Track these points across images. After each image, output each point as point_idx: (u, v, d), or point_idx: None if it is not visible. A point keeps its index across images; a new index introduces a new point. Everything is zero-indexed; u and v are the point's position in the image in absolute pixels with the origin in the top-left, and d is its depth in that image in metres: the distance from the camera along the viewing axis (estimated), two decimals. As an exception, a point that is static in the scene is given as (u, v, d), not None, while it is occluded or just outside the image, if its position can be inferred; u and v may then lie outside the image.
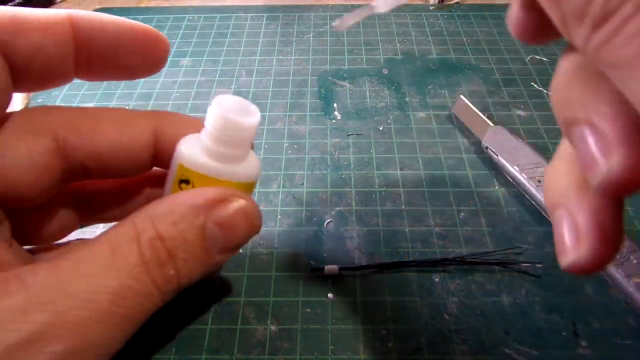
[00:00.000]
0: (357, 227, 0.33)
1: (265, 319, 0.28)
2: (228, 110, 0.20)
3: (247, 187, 0.22)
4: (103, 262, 0.17)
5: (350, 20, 0.20)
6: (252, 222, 0.21)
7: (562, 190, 0.16)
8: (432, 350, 0.27)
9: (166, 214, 0.19)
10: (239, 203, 0.20)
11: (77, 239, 0.25)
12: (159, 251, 0.18)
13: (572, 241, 0.15)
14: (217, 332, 0.28)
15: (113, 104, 0.43)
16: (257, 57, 0.48)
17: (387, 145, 0.38)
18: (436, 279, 0.30)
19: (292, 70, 0.46)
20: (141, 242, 0.18)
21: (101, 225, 0.30)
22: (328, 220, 0.33)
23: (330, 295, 0.29)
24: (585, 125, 0.13)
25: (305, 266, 0.31)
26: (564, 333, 0.27)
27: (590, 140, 0.13)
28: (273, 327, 0.28)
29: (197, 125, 0.23)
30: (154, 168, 0.24)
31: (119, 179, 0.25)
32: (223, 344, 0.27)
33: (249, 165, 0.22)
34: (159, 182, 0.25)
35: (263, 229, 0.33)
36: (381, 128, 0.40)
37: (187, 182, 0.21)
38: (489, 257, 0.31)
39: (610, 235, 0.14)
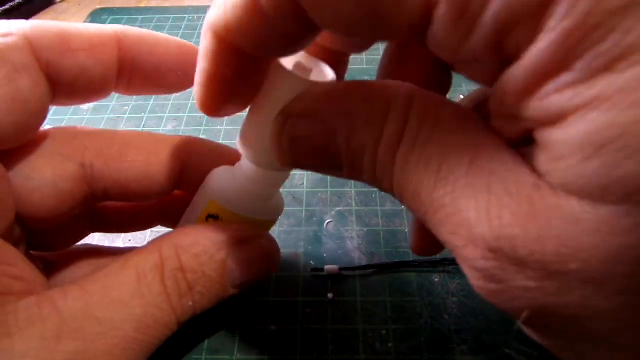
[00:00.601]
0: (357, 227, 0.33)
1: (265, 319, 0.28)
2: None
3: (271, 224, 0.23)
4: (130, 289, 0.17)
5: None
6: (271, 261, 0.21)
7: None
8: (432, 350, 0.27)
9: (190, 246, 0.19)
10: (260, 243, 0.21)
11: (85, 244, 0.25)
12: (180, 282, 0.18)
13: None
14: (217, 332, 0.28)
15: (113, 104, 0.43)
16: (257, 57, 0.47)
17: (387, 145, 0.38)
18: (436, 279, 0.30)
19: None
20: (165, 271, 0.18)
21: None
22: (328, 220, 0.33)
23: (330, 295, 0.29)
24: None
25: (305, 266, 0.31)
26: (564, 333, 0.27)
27: None
28: (273, 327, 0.28)
29: (223, 155, 0.22)
30: None
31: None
32: (223, 344, 0.27)
33: (276, 204, 0.22)
34: (174, 202, 0.25)
35: (263, 229, 0.33)
36: (381, 128, 0.40)
37: (215, 217, 0.20)
38: (489, 257, 0.31)
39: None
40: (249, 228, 0.20)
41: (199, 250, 0.19)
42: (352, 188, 0.35)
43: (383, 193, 0.35)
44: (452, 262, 0.30)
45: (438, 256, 0.31)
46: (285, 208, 0.34)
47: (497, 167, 0.12)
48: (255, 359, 0.27)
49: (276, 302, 0.29)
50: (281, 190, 0.35)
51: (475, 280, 0.13)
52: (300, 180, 0.36)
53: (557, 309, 0.11)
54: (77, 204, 0.20)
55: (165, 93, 0.23)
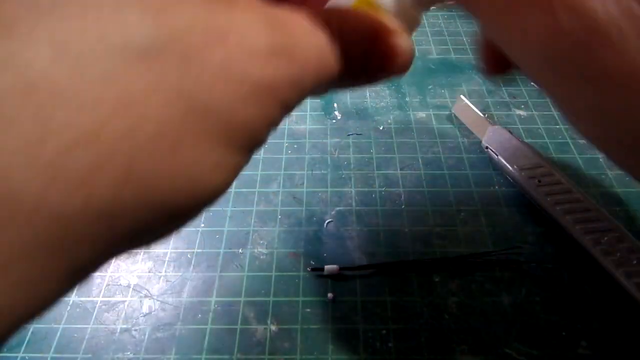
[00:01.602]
0: (357, 227, 0.33)
1: (265, 319, 0.28)
2: None
3: (410, 31, 0.25)
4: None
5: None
6: (407, 57, 0.23)
7: None
8: (432, 350, 0.27)
9: (349, 18, 0.19)
10: (404, 40, 0.22)
11: None
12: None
13: None
14: (217, 332, 0.28)
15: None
16: (257, 57, 0.48)
17: (387, 145, 0.38)
18: (436, 279, 0.30)
19: (292, 70, 0.46)
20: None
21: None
22: (328, 220, 0.33)
23: (330, 295, 0.29)
24: None
25: (305, 266, 0.31)
26: (564, 333, 0.27)
27: None
28: (273, 327, 0.28)
29: None
30: None
31: None
32: (223, 344, 0.27)
33: (417, 16, 0.23)
34: None
35: (263, 228, 0.33)
36: (381, 128, 0.40)
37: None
38: (489, 257, 0.31)
39: None
40: (397, 26, 0.22)
41: (356, 24, 0.19)
42: (352, 188, 0.35)
43: (383, 193, 0.35)
44: (452, 262, 0.30)
45: (438, 256, 0.31)
46: (285, 208, 0.34)
47: None
48: (255, 358, 0.27)
49: (276, 302, 0.29)
50: (281, 189, 0.35)
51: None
52: (300, 180, 0.36)
53: None
54: None
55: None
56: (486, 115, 0.37)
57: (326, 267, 0.30)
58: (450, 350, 0.27)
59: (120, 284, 0.30)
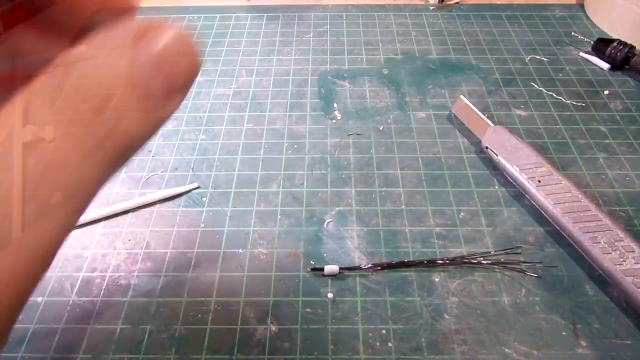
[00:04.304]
0: (357, 227, 0.33)
1: (265, 319, 0.28)
2: None
3: None
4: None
5: None
6: (190, 52, 0.18)
7: None
8: (432, 350, 0.27)
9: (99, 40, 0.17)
10: (172, 31, 0.17)
11: None
12: None
13: None
14: (217, 332, 0.28)
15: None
16: (257, 57, 0.48)
17: (387, 145, 0.38)
18: (436, 279, 0.30)
19: (292, 70, 0.46)
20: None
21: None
22: (328, 220, 0.33)
23: (330, 295, 0.29)
24: None
25: (305, 266, 0.31)
26: (564, 333, 0.27)
27: None
28: (273, 327, 0.28)
29: None
30: None
31: None
32: (223, 344, 0.27)
33: None
34: None
35: (263, 228, 0.33)
36: (381, 128, 0.40)
37: None
38: (489, 257, 0.31)
39: None
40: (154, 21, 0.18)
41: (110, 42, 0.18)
42: (352, 188, 0.35)
43: (383, 193, 0.35)
44: (452, 262, 0.30)
45: (438, 256, 0.31)
46: (285, 208, 0.34)
47: None
48: (255, 358, 0.27)
49: (276, 302, 0.29)
50: (281, 189, 0.35)
51: None
52: (300, 180, 0.36)
53: None
54: None
55: None
56: (486, 115, 0.37)
57: (326, 267, 0.30)
58: (450, 351, 0.27)
59: (120, 284, 0.30)
